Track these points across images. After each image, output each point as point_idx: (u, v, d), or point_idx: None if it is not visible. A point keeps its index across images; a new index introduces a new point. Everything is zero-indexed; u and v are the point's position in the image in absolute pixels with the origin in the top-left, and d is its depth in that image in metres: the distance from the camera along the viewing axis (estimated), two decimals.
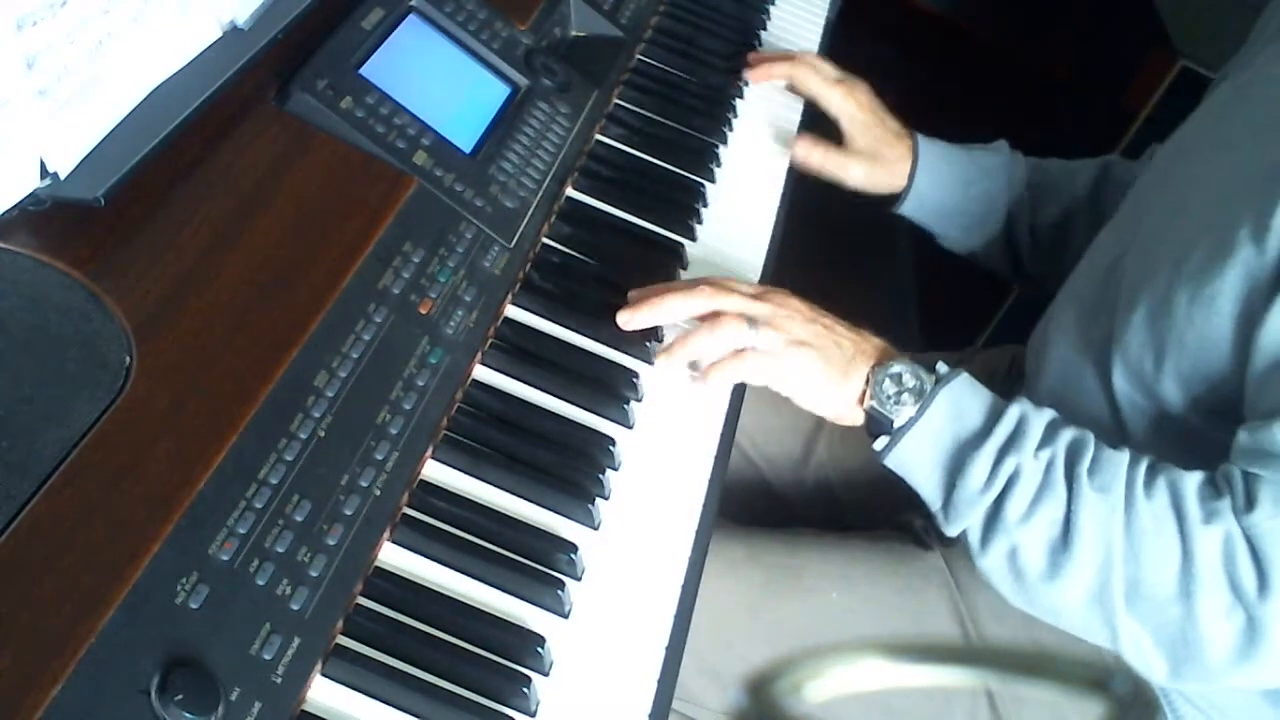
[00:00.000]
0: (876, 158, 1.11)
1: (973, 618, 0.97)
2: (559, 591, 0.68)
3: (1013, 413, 0.79)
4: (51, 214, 0.64)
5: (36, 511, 0.53)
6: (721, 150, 1.10)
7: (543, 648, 0.65)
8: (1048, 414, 0.80)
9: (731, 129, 1.13)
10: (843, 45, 1.38)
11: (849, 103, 1.11)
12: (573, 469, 0.75)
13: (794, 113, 1.19)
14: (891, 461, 0.81)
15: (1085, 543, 0.75)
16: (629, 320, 0.84)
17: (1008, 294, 1.93)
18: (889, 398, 0.80)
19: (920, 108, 1.15)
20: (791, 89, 1.18)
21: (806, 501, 1.16)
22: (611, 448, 0.77)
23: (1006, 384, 1.17)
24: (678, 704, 0.98)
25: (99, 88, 0.66)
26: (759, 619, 0.96)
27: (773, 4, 1.35)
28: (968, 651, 0.26)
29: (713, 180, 1.06)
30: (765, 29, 1.32)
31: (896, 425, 0.80)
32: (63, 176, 0.64)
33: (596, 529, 0.73)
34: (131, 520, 0.55)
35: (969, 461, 0.78)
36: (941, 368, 0.81)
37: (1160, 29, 1.87)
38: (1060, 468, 0.77)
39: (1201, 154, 0.93)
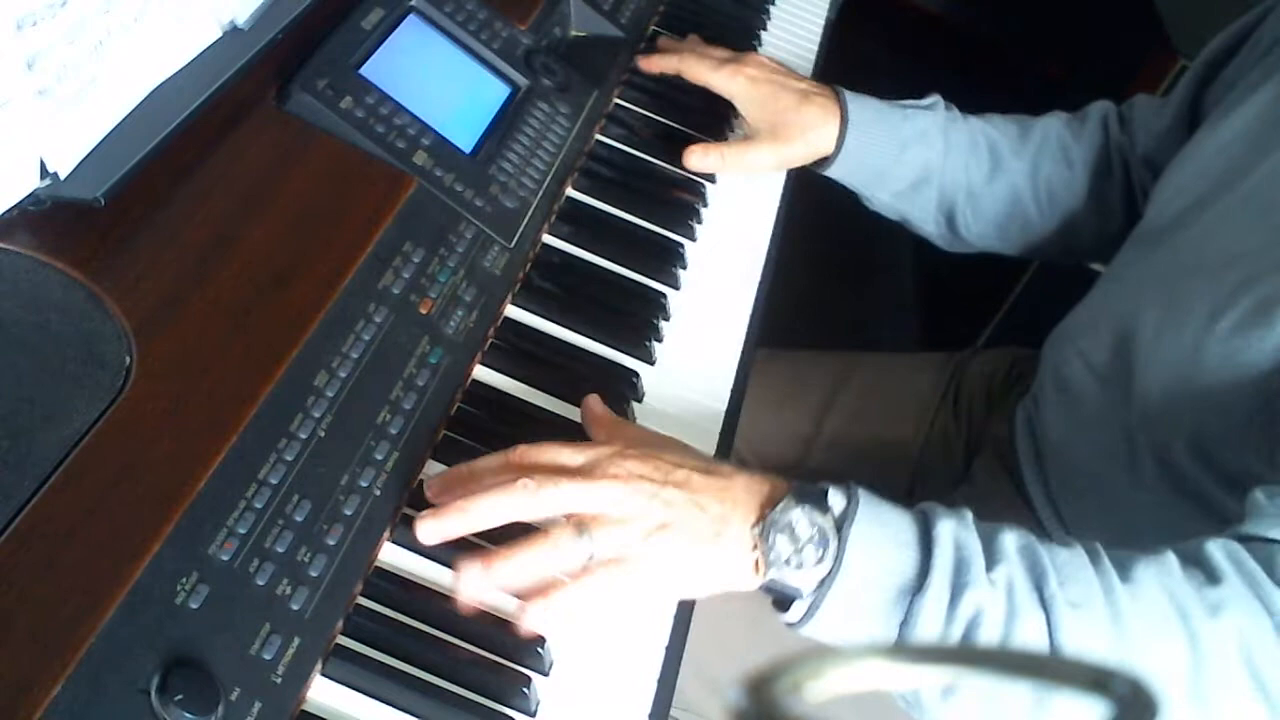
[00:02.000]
0: (779, 131, 1.02)
1: None
2: None
3: (943, 534, 0.64)
4: (51, 214, 0.63)
5: (36, 511, 0.53)
6: None
7: (543, 648, 0.65)
8: (966, 516, 0.67)
9: (732, 129, 1.13)
10: (843, 45, 1.38)
11: (736, 80, 1.03)
12: None
13: None
14: (813, 632, 0.66)
15: None
16: (433, 531, 0.64)
17: (1008, 294, 1.93)
18: (788, 561, 0.64)
19: None
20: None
21: None
22: None
23: (1005, 386, 1.17)
24: (678, 713, 0.97)
25: (99, 88, 0.66)
26: (759, 628, 0.95)
27: (773, 4, 1.35)
28: (968, 652, 0.26)
29: (713, 180, 1.06)
30: (765, 29, 1.32)
31: (808, 592, 0.64)
32: (63, 176, 0.64)
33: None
34: (131, 520, 0.55)
35: (915, 609, 0.63)
36: (834, 498, 0.65)
37: (1160, 29, 1.87)
38: (1024, 588, 0.64)
39: (1230, 197, 0.86)
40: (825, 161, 1.04)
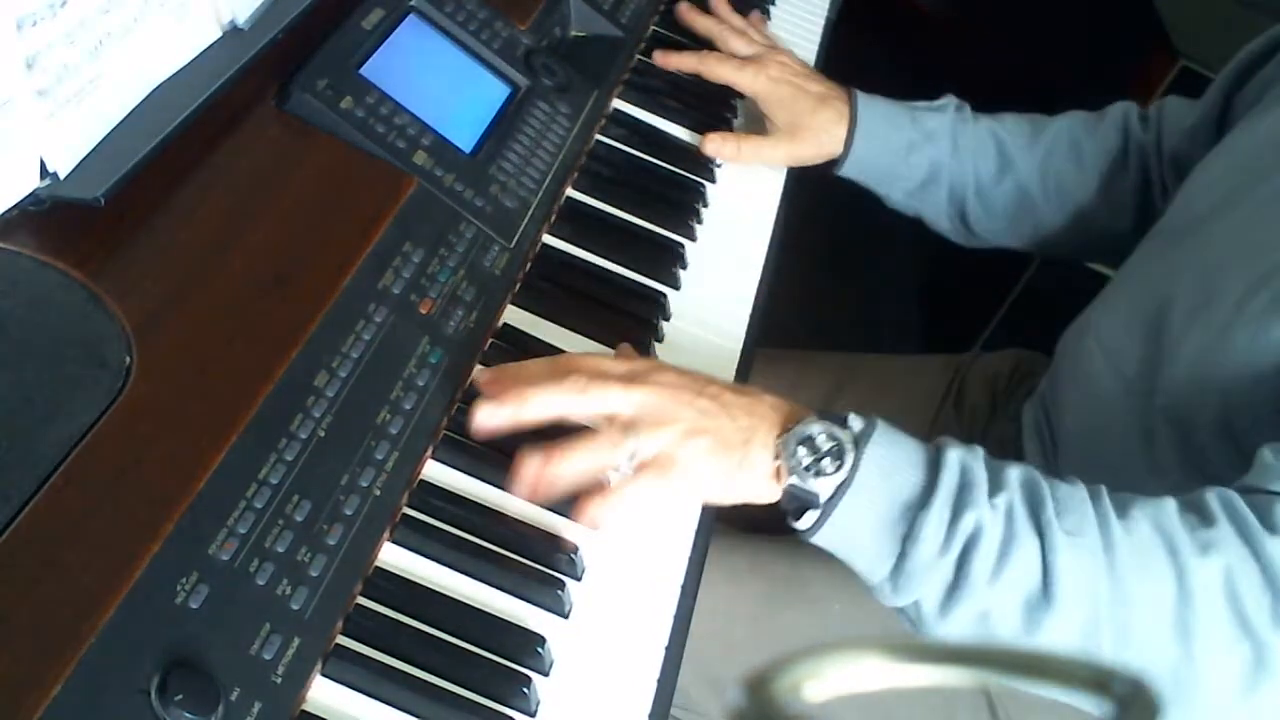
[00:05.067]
0: (796, 132, 1.06)
1: None
2: (559, 591, 0.68)
3: (951, 459, 0.68)
4: (51, 214, 0.63)
5: (37, 511, 0.53)
6: None
7: (543, 648, 0.65)
8: (977, 452, 0.71)
9: (732, 129, 1.13)
10: (843, 45, 1.38)
11: (759, 80, 1.07)
12: None
13: None
14: (823, 539, 0.69)
15: (1066, 594, 0.66)
16: (489, 417, 0.70)
17: (1008, 295, 1.93)
18: (807, 468, 0.68)
19: None
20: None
21: None
22: None
23: (1010, 387, 1.17)
24: (679, 713, 0.97)
25: (99, 88, 0.66)
26: (761, 628, 0.96)
27: (773, 4, 1.35)
28: (968, 651, 0.26)
29: (713, 180, 1.06)
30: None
31: (824, 499, 0.68)
32: (63, 176, 0.64)
33: (597, 529, 0.73)
34: (131, 520, 0.55)
35: (919, 523, 0.66)
36: (854, 421, 0.69)
37: (1160, 29, 1.87)
38: (1022, 514, 0.67)
39: (1264, 189, 0.86)
40: (836, 163, 1.08)
